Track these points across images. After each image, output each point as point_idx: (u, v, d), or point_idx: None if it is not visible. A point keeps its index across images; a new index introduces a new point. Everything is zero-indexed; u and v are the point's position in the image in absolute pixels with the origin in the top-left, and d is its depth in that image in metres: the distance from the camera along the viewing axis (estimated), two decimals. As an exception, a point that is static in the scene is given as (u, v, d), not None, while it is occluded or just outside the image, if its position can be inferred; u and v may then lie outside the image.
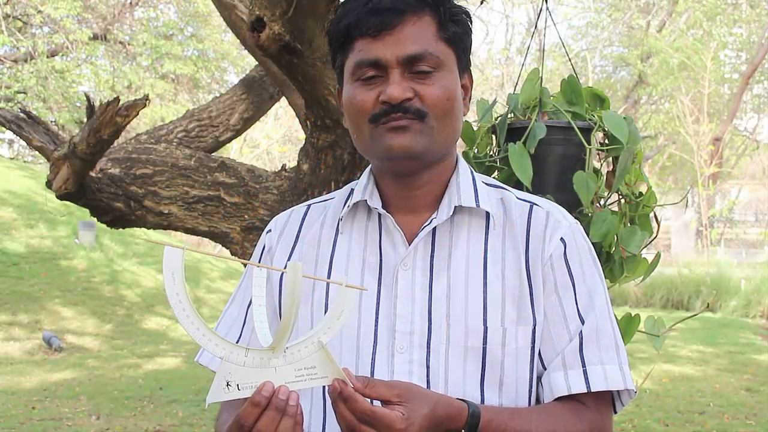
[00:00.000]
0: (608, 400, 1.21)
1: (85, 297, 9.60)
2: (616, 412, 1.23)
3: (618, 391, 1.21)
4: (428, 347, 1.17)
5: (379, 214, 1.24)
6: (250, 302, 1.28)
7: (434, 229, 1.21)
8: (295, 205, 1.38)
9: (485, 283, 1.18)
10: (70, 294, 9.56)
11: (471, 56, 1.28)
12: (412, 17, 1.17)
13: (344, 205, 1.28)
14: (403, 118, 1.15)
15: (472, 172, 1.27)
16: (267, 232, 1.33)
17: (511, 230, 1.22)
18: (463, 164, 1.27)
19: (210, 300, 10.79)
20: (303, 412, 1.04)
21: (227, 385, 1.02)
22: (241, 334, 1.28)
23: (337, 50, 1.23)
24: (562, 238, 1.21)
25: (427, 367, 1.16)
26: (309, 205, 1.34)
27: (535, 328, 1.18)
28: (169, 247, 1.00)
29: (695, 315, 2.41)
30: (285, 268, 1.01)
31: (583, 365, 1.17)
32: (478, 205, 1.21)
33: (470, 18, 1.24)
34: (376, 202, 1.23)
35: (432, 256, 1.20)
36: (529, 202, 1.25)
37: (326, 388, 1.20)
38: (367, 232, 1.25)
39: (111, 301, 9.70)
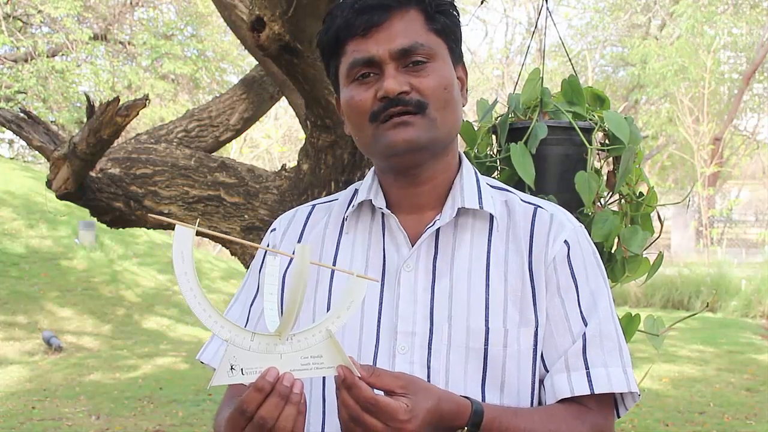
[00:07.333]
0: (611, 402, 1.21)
1: (84, 297, 9.59)
2: (619, 416, 1.23)
3: (621, 394, 1.21)
4: (429, 348, 1.16)
5: (383, 215, 1.24)
6: (253, 300, 1.29)
7: (438, 230, 1.21)
8: (295, 205, 1.38)
9: (487, 285, 1.18)
10: (69, 294, 9.55)
11: (464, 49, 1.28)
12: (399, 12, 1.18)
13: (349, 205, 1.28)
14: (404, 113, 1.15)
15: (476, 173, 1.27)
16: (271, 231, 1.33)
17: (515, 232, 1.22)
18: (467, 165, 1.27)
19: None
20: (306, 402, 1.03)
21: (231, 368, 1.01)
22: None
23: (330, 57, 1.24)
24: (565, 241, 1.21)
25: (428, 368, 1.16)
26: (314, 205, 1.34)
27: (537, 330, 1.18)
28: (180, 226, 0.98)
29: (695, 315, 2.40)
30: (292, 256, 1.00)
31: (587, 367, 1.16)
32: (481, 207, 1.21)
33: (457, 9, 1.24)
34: (380, 202, 1.23)
35: (435, 258, 1.20)
36: (534, 204, 1.25)
37: (326, 384, 1.18)
38: (371, 232, 1.25)
39: (111, 301, 9.70)
